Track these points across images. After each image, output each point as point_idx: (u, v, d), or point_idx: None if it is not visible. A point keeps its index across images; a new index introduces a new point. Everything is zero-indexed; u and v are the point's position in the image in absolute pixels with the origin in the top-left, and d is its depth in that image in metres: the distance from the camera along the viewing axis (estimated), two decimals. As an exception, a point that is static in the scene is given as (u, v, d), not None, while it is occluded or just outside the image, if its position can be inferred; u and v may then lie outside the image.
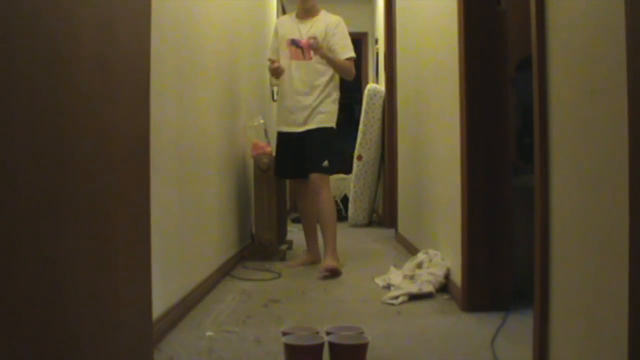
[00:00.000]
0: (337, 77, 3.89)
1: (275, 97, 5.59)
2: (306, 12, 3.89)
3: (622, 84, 1.26)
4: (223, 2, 3.57)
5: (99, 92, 1.38)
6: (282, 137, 3.94)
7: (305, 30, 3.81)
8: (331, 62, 3.75)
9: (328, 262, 3.57)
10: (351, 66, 3.83)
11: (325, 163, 3.75)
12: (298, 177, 3.96)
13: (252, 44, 4.89)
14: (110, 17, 1.45)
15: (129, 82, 1.59)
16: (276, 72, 3.90)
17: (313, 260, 3.97)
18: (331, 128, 3.82)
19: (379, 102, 6.37)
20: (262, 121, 4.46)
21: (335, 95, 3.87)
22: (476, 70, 2.66)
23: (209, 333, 2.31)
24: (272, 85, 6.10)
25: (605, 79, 1.39)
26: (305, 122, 3.79)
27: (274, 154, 4.36)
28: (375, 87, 6.58)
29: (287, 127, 3.89)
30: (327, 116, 3.80)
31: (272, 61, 3.91)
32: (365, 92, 6.44)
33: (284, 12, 7.91)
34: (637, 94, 1.21)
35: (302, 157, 3.81)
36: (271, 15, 6.48)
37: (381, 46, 6.77)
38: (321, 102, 3.79)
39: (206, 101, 3.13)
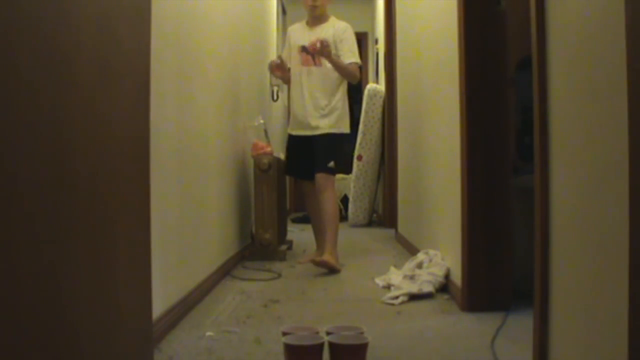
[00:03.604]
0: (344, 87, 3.95)
1: (275, 97, 5.61)
2: (315, 20, 3.97)
3: (622, 84, 1.26)
4: (223, 1, 3.57)
5: (99, 92, 1.39)
6: (292, 139, 4.06)
7: (314, 37, 3.85)
8: (335, 64, 3.79)
9: (325, 257, 3.64)
10: (355, 70, 3.89)
11: (331, 164, 3.83)
12: (306, 178, 4.01)
13: (252, 44, 4.89)
14: (111, 17, 1.45)
15: (129, 82, 1.59)
16: (273, 68, 4.03)
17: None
18: (340, 134, 3.89)
19: (379, 102, 6.37)
20: (262, 121, 4.46)
21: (345, 101, 3.93)
22: (476, 70, 2.66)
23: (209, 333, 2.31)
24: (272, 85, 6.11)
25: (605, 79, 1.39)
26: (315, 127, 3.86)
27: (274, 154, 4.37)
28: (375, 87, 6.58)
29: (297, 131, 3.99)
30: (337, 121, 3.87)
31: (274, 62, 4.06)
32: (365, 92, 6.45)
33: (284, 12, 7.91)
34: (637, 94, 1.21)
35: (310, 158, 3.88)
36: (271, 15, 6.48)
37: (381, 46, 6.77)
38: (331, 108, 3.85)
39: (206, 101, 3.13)
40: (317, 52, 3.73)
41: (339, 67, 3.81)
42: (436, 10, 3.40)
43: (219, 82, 3.47)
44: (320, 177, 3.83)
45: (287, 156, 4.18)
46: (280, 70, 4.02)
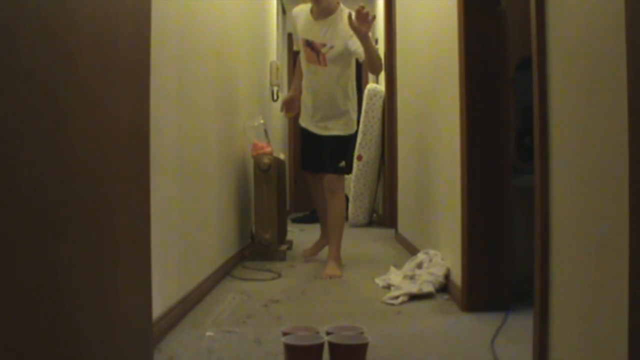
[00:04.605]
0: (353, 83, 3.78)
1: (275, 97, 5.61)
2: (321, 12, 3.65)
3: (622, 84, 1.26)
4: (223, 2, 3.57)
5: (99, 91, 1.39)
6: (304, 132, 3.97)
7: (321, 33, 3.64)
8: (369, 47, 3.32)
9: (330, 270, 3.56)
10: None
11: (342, 163, 3.73)
12: (313, 170, 3.97)
13: (252, 44, 4.89)
14: (111, 16, 1.45)
15: (129, 81, 1.59)
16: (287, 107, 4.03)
17: (326, 243, 4.05)
18: (348, 136, 3.78)
19: (379, 102, 6.37)
20: (262, 121, 4.46)
21: (353, 101, 3.78)
22: (476, 70, 2.66)
23: (209, 333, 2.31)
24: (272, 85, 6.12)
25: (605, 79, 1.39)
26: (324, 128, 3.78)
27: (274, 154, 4.37)
28: (375, 87, 6.58)
29: (307, 124, 3.90)
30: (345, 123, 3.75)
31: (285, 102, 4.06)
32: (365, 92, 6.45)
33: (284, 12, 7.91)
34: (637, 94, 1.21)
35: (318, 153, 3.83)
36: (271, 15, 6.48)
37: (381, 46, 6.77)
38: (339, 113, 3.72)
39: (206, 101, 3.13)
40: (357, 22, 3.20)
41: (370, 49, 3.33)
42: (436, 10, 3.40)
43: (219, 82, 3.47)
44: (331, 177, 3.71)
45: (301, 148, 4.09)
46: (290, 106, 4.02)
